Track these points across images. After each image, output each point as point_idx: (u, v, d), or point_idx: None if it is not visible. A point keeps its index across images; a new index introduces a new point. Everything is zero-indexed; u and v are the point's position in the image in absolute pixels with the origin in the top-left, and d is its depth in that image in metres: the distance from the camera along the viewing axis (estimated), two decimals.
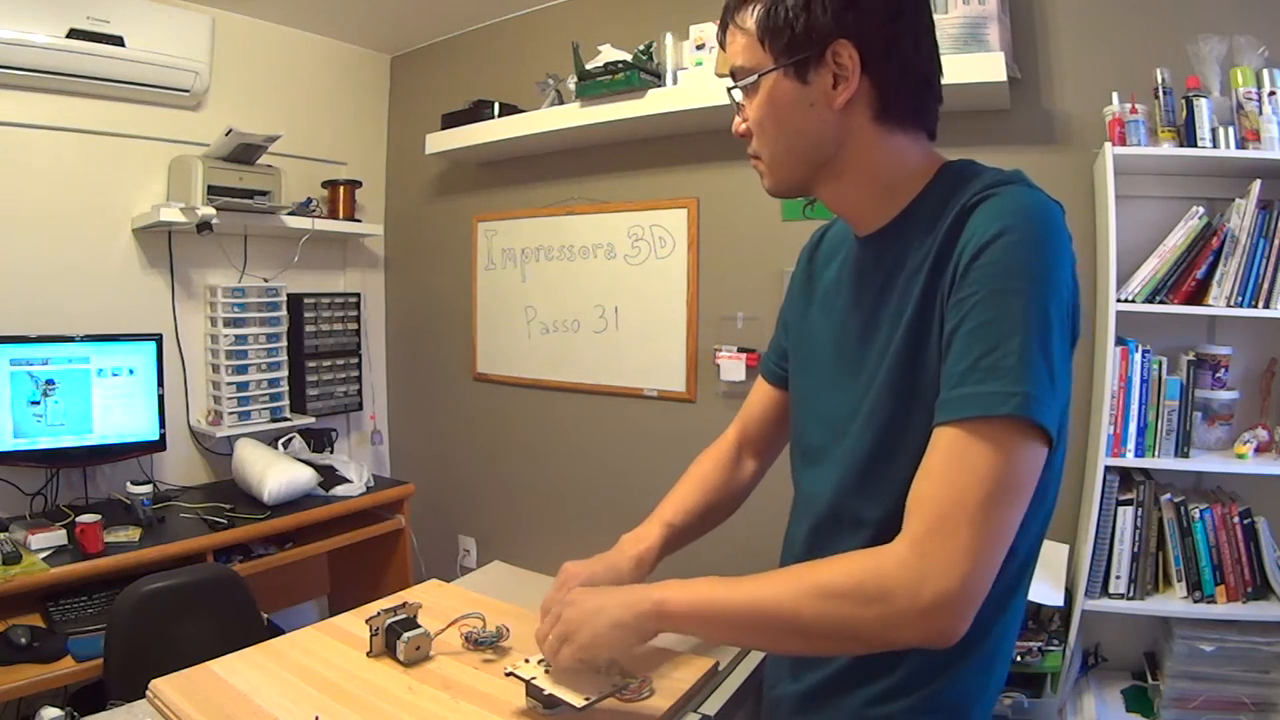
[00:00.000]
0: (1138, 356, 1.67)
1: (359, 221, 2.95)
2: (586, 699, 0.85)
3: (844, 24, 0.76)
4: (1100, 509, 1.68)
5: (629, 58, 2.19)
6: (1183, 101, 1.64)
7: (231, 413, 2.53)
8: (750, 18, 0.80)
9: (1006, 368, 0.66)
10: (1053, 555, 1.74)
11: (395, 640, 1.00)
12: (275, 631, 1.63)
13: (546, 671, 0.89)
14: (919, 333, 0.76)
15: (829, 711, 0.84)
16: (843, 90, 0.77)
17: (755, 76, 0.80)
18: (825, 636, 0.72)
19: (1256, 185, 1.59)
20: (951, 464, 0.67)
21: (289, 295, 2.70)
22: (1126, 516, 1.68)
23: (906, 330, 0.77)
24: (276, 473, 2.31)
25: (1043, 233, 0.70)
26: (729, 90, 0.86)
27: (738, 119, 0.86)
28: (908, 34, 0.79)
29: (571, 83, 2.30)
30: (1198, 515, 1.65)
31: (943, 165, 0.83)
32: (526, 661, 0.91)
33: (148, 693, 0.94)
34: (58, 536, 1.92)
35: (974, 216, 0.73)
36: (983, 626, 0.71)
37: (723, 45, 0.86)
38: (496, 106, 2.57)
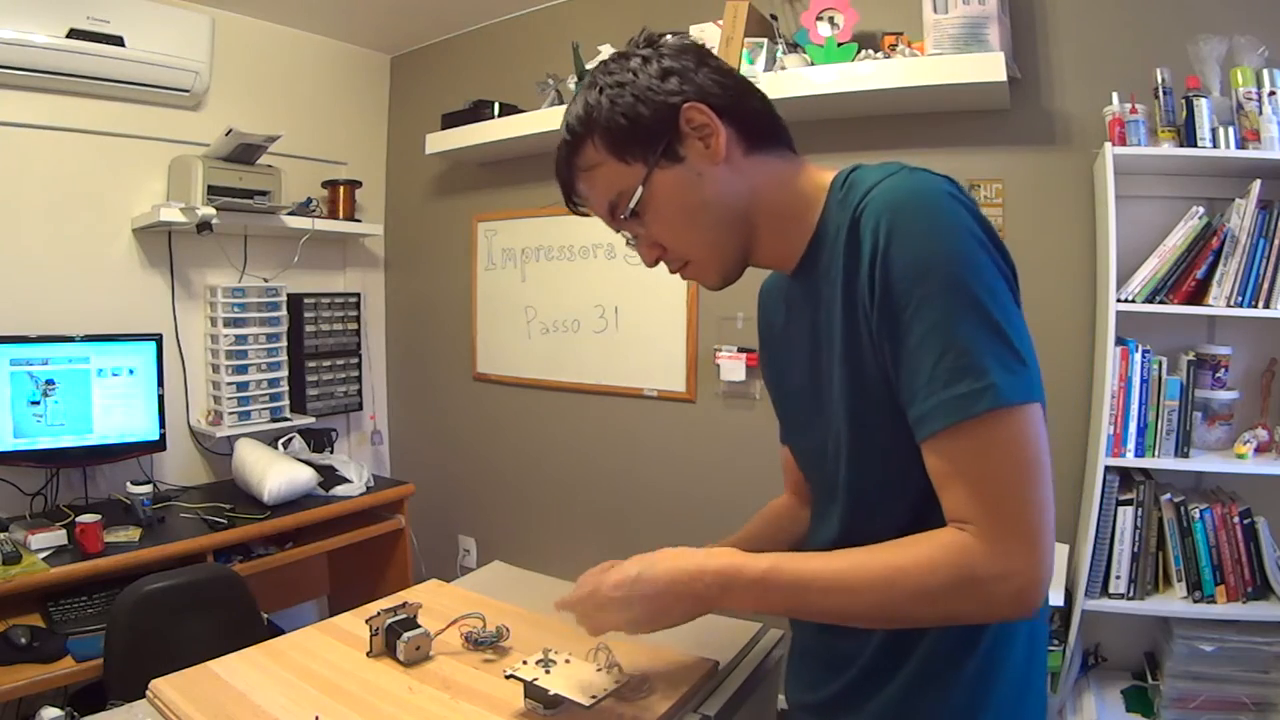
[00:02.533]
0: (1138, 356, 1.67)
1: (359, 221, 2.95)
2: (593, 697, 0.85)
3: (676, 90, 0.78)
4: (1100, 509, 1.68)
5: None
6: (1183, 101, 1.64)
7: (231, 413, 2.53)
8: (594, 151, 0.81)
9: (964, 367, 0.67)
10: None
11: (395, 640, 1.00)
12: (275, 631, 1.62)
13: (547, 672, 0.89)
14: (853, 353, 0.76)
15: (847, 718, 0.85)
16: (715, 141, 0.79)
17: (639, 190, 0.80)
18: (920, 622, 0.75)
19: (1256, 185, 1.59)
20: (967, 469, 0.69)
21: (289, 295, 2.70)
22: (1126, 516, 1.68)
23: (843, 355, 0.77)
24: (276, 473, 2.31)
25: (933, 215, 0.69)
26: (624, 230, 0.85)
27: (643, 251, 0.85)
28: (718, 65, 0.82)
29: (571, 83, 2.30)
30: (1198, 515, 1.65)
31: (833, 179, 0.83)
32: (525, 663, 0.91)
33: (148, 693, 0.94)
34: (58, 536, 1.92)
35: (863, 221, 0.73)
36: (974, 636, 0.76)
37: (585, 202, 0.86)
38: (496, 106, 2.57)
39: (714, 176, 0.80)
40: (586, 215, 0.90)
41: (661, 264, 0.88)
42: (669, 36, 0.84)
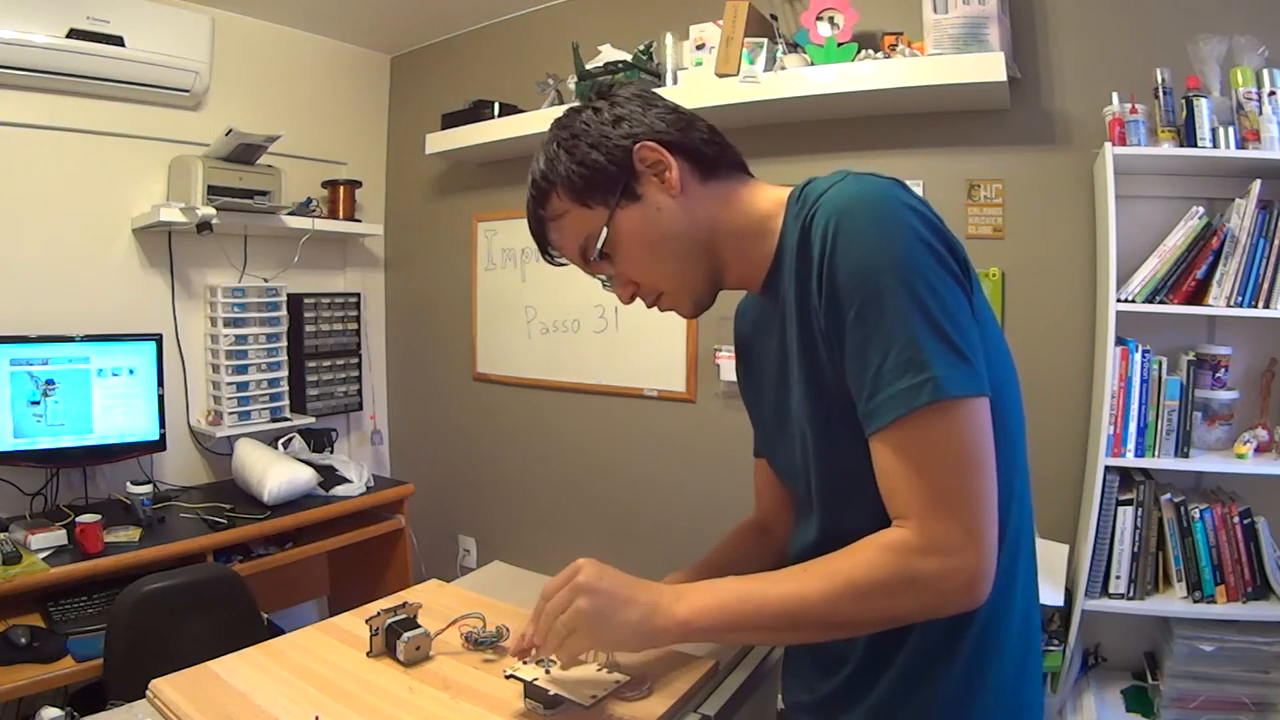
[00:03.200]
0: (1138, 356, 1.67)
1: (359, 221, 2.95)
2: (593, 697, 0.85)
3: (628, 134, 0.83)
4: (1100, 509, 1.68)
5: (629, 58, 2.19)
6: (1183, 101, 1.64)
7: (231, 413, 2.53)
8: (559, 201, 0.85)
9: (906, 362, 0.69)
10: (1053, 555, 1.74)
11: (395, 640, 1.00)
12: (275, 631, 1.62)
13: (547, 672, 0.89)
14: (809, 357, 0.79)
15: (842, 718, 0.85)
16: (670, 176, 0.83)
17: (604, 232, 0.83)
18: (867, 625, 0.76)
19: (1256, 185, 1.59)
20: (909, 462, 0.71)
21: (289, 295, 2.70)
22: (1126, 516, 1.68)
23: (800, 360, 0.80)
24: (276, 473, 2.31)
25: (875, 218, 0.71)
26: (597, 272, 0.89)
27: (619, 290, 0.89)
28: (665, 104, 0.87)
29: (571, 83, 2.30)
30: (1198, 515, 1.65)
31: (789, 195, 0.85)
32: (525, 663, 0.91)
33: (148, 693, 0.94)
34: (58, 536, 1.92)
35: (813, 229, 0.75)
36: (961, 629, 0.76)
37: (558, 249, 0.89)
38: (496, 106, 2.57)
39: (673, 209, 0.84)
40: (564, 265, 0.94)
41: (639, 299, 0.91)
42: (622, 88, 0.91)
